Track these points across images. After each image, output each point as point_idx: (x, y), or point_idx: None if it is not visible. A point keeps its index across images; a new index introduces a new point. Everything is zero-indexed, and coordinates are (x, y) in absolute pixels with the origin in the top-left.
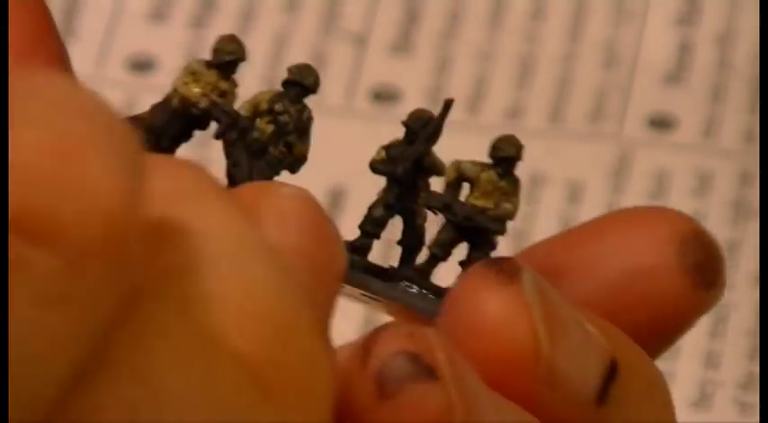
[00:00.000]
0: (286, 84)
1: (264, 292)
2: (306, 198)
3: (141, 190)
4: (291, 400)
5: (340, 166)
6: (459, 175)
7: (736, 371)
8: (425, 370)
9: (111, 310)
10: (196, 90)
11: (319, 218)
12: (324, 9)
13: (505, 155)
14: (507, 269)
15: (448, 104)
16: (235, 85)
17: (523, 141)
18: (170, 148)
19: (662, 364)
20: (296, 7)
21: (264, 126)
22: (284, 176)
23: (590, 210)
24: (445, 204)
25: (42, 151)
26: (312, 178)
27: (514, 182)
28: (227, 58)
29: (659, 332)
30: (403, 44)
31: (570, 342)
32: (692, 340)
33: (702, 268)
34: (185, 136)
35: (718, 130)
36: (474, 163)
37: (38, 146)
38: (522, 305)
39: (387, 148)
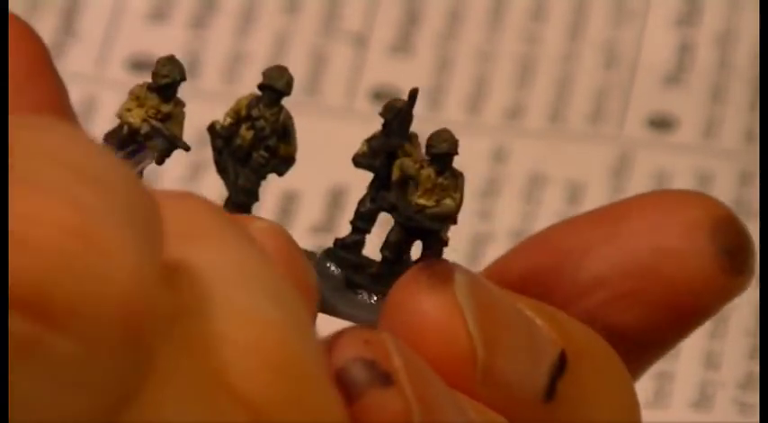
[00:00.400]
0: (261, 88)
1: (267, 329)
2: (279, 231)
3: (158, 258)
4: None
5: (340, 166)
6: (403, 174)
7: (737, 371)
8: (381, 376)
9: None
10: (136, 116)
11: (293, 250)
12: (324, 9)
13: (438, 151)
14: (439, 272)
15: (413, 94)
16: (181, 105)
17: (523, 141)
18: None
19: (662, 364)
20: (296, 8)
21: (245, 132)
22: (273, 179)
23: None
24: (392, 205)
25: (61, 229)
26: (312, 178)
27: (455, 177)
28: (163, 81)
29: (684, 314)
30: (403, 44)
31: (511, 341)
32: (692, 340)
33: (733, 254)
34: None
35: (718, 131)
36: (414, 160)
37: (56, 222)
38: (455, 308)
39: (369, 140)
